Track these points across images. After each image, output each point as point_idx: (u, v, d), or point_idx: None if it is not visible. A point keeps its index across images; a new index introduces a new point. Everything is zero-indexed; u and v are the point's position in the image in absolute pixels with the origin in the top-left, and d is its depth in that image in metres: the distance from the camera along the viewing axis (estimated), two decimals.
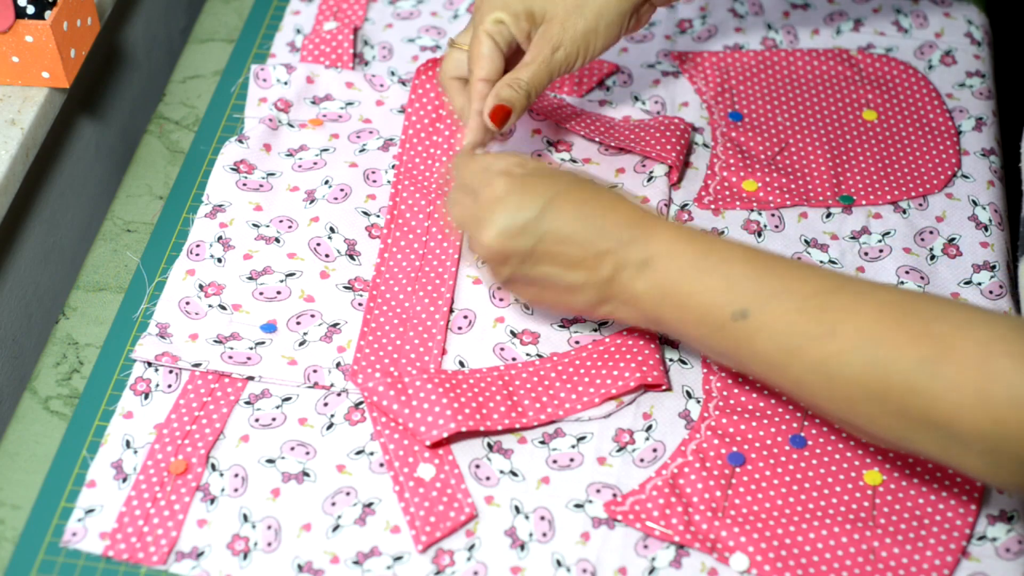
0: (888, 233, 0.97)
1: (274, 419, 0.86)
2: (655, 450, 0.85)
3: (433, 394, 0.84)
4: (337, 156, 1.01)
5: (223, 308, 0.91)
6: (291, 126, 1.03)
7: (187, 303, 0.91)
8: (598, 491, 0.83)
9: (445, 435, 0.82)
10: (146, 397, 0.87)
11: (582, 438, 0.85)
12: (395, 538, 0.80)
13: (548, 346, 0.90)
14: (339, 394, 0.87)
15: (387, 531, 0.81)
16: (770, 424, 0.85)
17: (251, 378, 0.88)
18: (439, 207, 0.97)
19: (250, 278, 0.93)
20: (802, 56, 1.08)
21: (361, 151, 1.01)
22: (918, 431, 0.70)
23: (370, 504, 0.82)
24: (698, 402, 0.87)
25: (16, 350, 1.04)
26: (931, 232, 0.97)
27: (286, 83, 1.05)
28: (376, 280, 0.93)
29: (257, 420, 0.86)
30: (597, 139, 1.01)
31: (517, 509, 0.82)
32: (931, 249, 0.96)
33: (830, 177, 1.00)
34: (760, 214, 0.98)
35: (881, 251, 0.96)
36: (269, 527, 0.81)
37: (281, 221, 0.97)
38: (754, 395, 0.87)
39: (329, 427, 0.86)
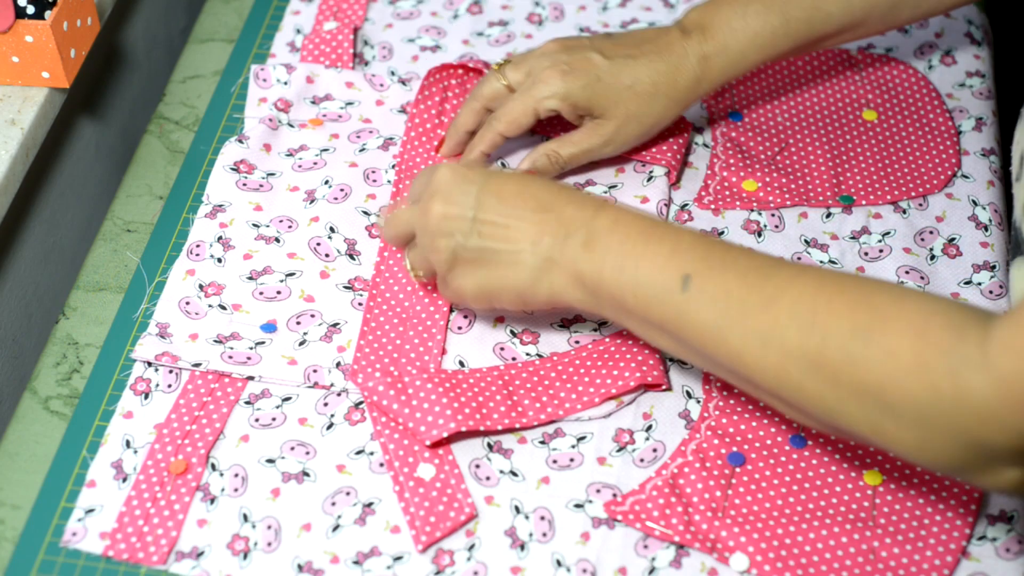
0: (888, 233, 0.97)
1: (274, 419, 0.86)
2: (655, 450, 0.85)
3: (433, 394, 0.84)
4: (337, 156, 1.01)
5: (223, 308, 0.91)
6: (291, 126, 1.03)
7: (187, 303, 0.91)
8: (598, 491, 0.83)
9: (445, 435, 0.82)
10: (146, 397, 0.87)
11: (582, 438, 0.85)
12: (395, 538, 0.80)
13: (548, 346, 0.90)
14: (339, 394, 0.87)
15: (387, 531, 0.81)
16: (770, 424, 0.85)
17: (251, 378, 0.88)
18: None
19: (250, 278, 0.93)
20: (802, 56, 1.08)
21: (361, 151, 1.01)
22: (849, 401, 0.68)
23: (370, 504, 0.82)
24: (698, 402, 0.87)
25: (16, 350, 1.04)
26: (931, 232, 0.97)
27: (286, 83, 1.05)
28: (376, 279, 0.93)
29: (257, 420, 0.86)
30: None
31: (517, 509, 0.82)
32: (931, 249, 0.96)
33: (830, 177, 1.00)
34: (760, 214, 0.98)
35: (881, 251, 0.96)
36: (269, 527, 0.81)
37: (281, 221, 0.97)
38: None
39: (329, 427, 0.86)
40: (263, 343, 0.89)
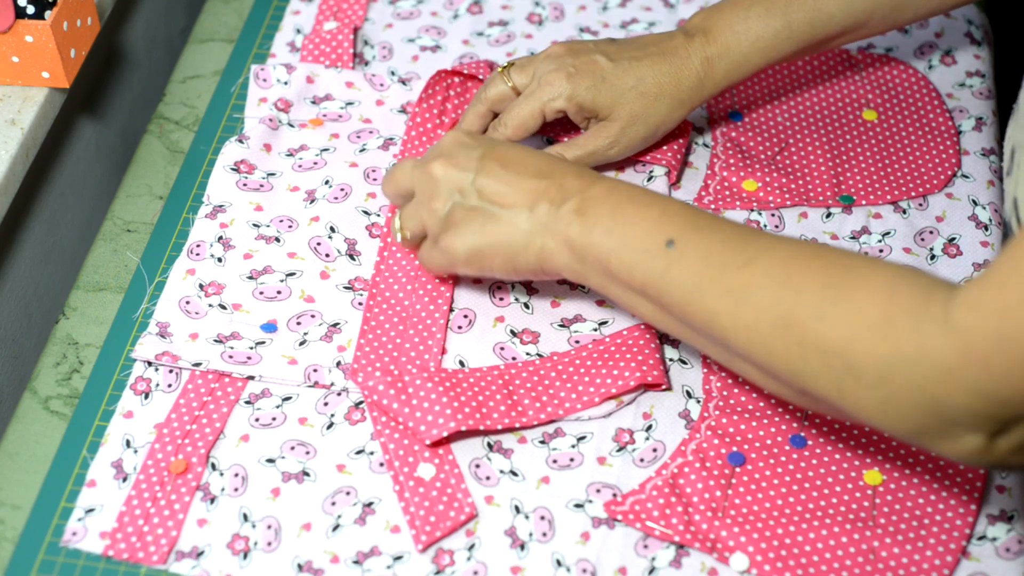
0: (888, 233, 0.97)
1: (274, 419, 0.86)
2: (655, 450, 0.85)
3: (433, 393, 0.84)
4: (337, 156, 1.01)
5: (223, 308, 0.91)
6: (291, 126, 1.03)
7: (187, 302, 0.91)
8: (598, 491, 0.83)
9: (445, 434, 0.82)
10: (146, 396, 0.87)
11: (582, 438, 0.85)
12: (395, 538, 0.80)
13: (548, 345, 0.90)
14: (339, 393, 0.87)
15: (387, 531, 0.81)
16: (770, 424, 0.85)
17: (251, 378, 0.88)
18: None
19: (250, 277, 0.93)
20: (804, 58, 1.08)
21: (361, 151, 1.01)
22: (814, 360, 0.69)
23: (370, 504, 0.82)
24: (698, 402, 0.87)
25: (16, 350, 1.04)
26: (931, 232, 0.97)
27: (286, 83, 1.05)
28: (376, 279, 0.93)
29: (257, 420, 0.86)
30: None
31: (517, 509, 0.82)
32: (931, 249, 0.96)
33: (830, 177, 1.00)
34: (760, 214, 0.98)
35: (881, 251, 0.96)
36: (269, 527, 0.81)
37: (281, 221, 0.97)
38: (754, 395, 0.87)
39: (329, 427, 0.86)
40: (263, 343, 0.89)
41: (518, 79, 0.96)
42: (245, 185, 0.98)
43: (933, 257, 0.95)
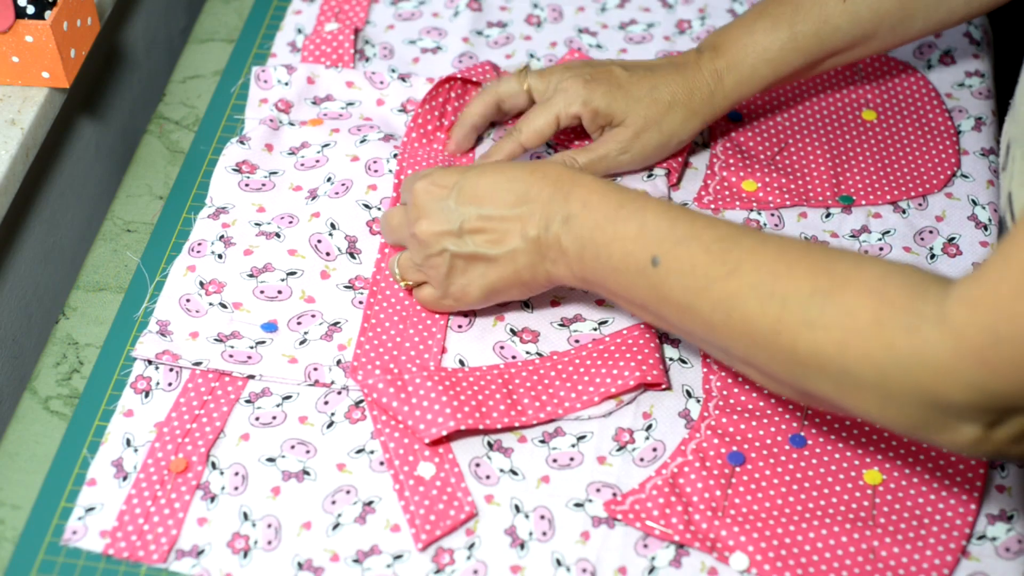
0: (888, 232, 0.97)
1: (274, 417, 0.86)
2: (655, 449, 0.85)
3: (433, 392, 0.84)
4: (338, 150, 1.01)
5: (224, 307, 0.91)
6: (292, 125, 1.03)
7: (187, 300, 0.91)
8: (598, 490, 0.83)
9: (444, 433, 0.82)
10: (146, 395, 0.87)
11: (582, 437, 0.85)
12: (395, 536, 0.80)
13: (548, 344, 0.90)
14: (339, 392, 0.87)
15: (387, 529, 0.81)
16: (770, 424, 0.85)
17: (251, 377, 0.88)
18: None
19: (251, 275, 0.93)
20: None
21: (362, 142, 1.01)
22: (809, 366, 0.69)
23: (370, 502, 0.82)
24: (698, 401, 0.87)
25: (16, 350, 1.04)
26: (931, 232, 0.97)
27: (287, 84, 1.05)
28: (376, 277, 0.93)
29: (257, 418, 0.86)
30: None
31: (517, 508, 0.82)
32: (931, 249, 0.96)
33: (830, 177, 1.00)
34: (760, 214, 0.98)
35: (882, 249, 0.96)
36: (269, 525, 0.81)
37: (282, 217, 0.97)
38: (754, 395, 0.87)
39: (329, 425, 0.86)
40: (264, 342, 0.89)
41: (535, 84, 0.98)
42: (247, 186, 0.98)
43: (933, 257, 0.95)
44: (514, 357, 0.89)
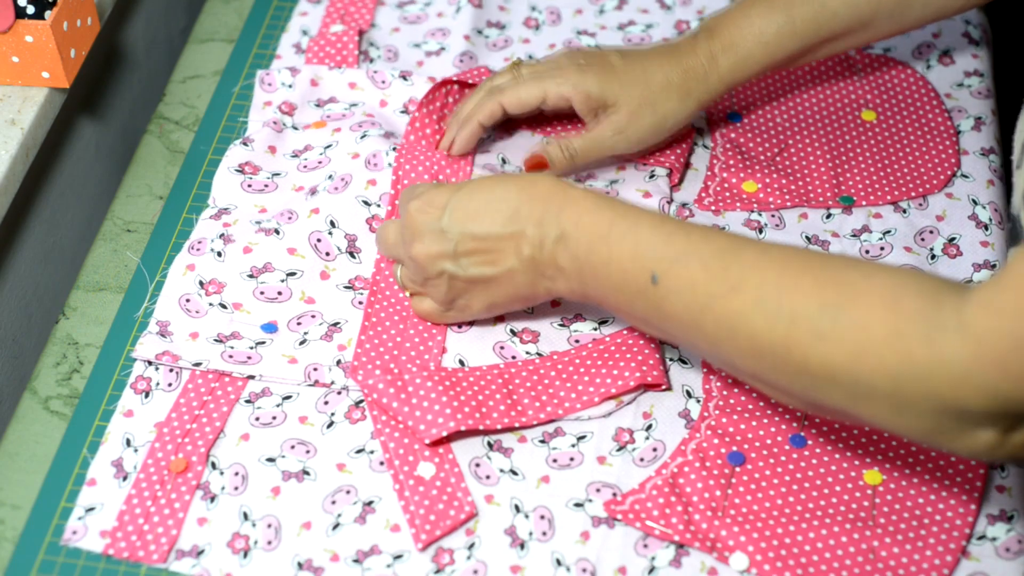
0: (888, 232, 0.97)
1: (274, 417, 0.86)
2: (655, 449, 0.85)
3: (433, 392, 0.84)
4: (340, 149, 1.01)
5: (224, 307, 0.91)
6: (295, 128, 1.03)
7: (187, 300, 0.91)
8: (598, 490, 0.83)
9: (444, 433, 0.82)
10: (146, 395, 0.87)
11: (582, 437, 0.85)
12: (395, 536, 0.80)
13: (548, 345, 0.90)
14: (339, 392, 0.87)
15: (387, 529, 0.81)
16: (770, 424, 0.85)
17: (251, 377, 0.88)
18: None
19: (250, 275, 0.93)
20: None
21: (363, 137, 1.01)
22: (821, 380, 0.68)
23: (370, 502, 0.82)
24: (698, 401, 0.87)
25: (16, 350, 1.04)
26: (931, 232, 0.97)
27: (290, 86, 1.05)
28: (376, 276, 0.93)
29: (257, 419, 0.86)
30: None
31: (517, 508, 0.82)
32: (931, 249, 0.96)
33: (830, 178, 1.00)
34: (760, 214, 0.98)
35: (882, 248, 0.96)
36: (269, 525, 0.81)
37: (281, 213, 0.97)
38: (754, 395, 0.87)
39: (329, 425, 0.86)
40: (263, 343, 0.89)
41: (527, 70, 0.97)
42: (250, 187, 0.98)
43: (933, 257, 0.95)
44: (514, 357, 0.89)
